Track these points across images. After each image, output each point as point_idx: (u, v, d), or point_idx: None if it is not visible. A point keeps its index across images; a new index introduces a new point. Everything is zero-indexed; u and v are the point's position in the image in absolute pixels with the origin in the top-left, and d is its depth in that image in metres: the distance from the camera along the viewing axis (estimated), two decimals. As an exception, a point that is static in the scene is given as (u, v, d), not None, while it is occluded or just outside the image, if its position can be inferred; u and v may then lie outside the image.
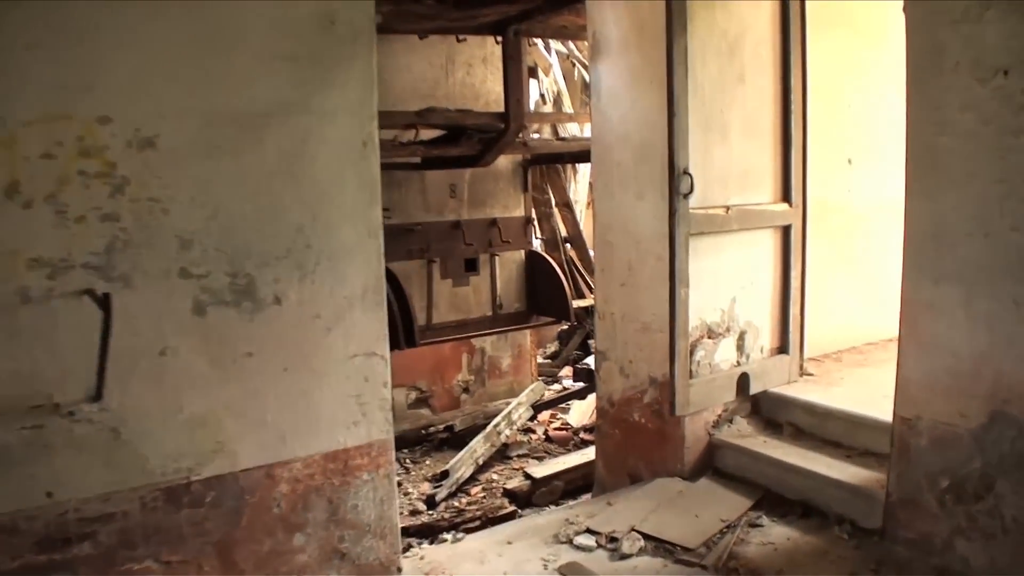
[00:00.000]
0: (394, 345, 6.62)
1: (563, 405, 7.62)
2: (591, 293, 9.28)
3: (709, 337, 4.73)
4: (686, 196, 4.38)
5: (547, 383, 8.78)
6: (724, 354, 4.83)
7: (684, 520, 4.21)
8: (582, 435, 7.11)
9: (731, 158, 4.73)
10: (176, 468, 3.25)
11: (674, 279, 4.44)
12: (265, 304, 3.35)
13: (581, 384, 7.09)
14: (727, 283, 4.81)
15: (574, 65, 10.41)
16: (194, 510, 3.30)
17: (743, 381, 4.88)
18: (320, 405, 3.52)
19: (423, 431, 7.00)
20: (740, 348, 4.91)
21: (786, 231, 5.05)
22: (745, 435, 4.82)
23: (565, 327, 9.28)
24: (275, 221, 3.35)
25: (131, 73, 3.03)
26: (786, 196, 5.04)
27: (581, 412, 7.45)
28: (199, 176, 3.18)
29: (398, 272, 6.87)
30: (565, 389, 8.51)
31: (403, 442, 7.07)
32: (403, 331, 6.43)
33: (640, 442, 4.95)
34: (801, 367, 5.26)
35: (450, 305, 7.35)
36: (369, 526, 3.67)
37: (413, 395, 7.35)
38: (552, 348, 9.93)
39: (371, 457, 3.67)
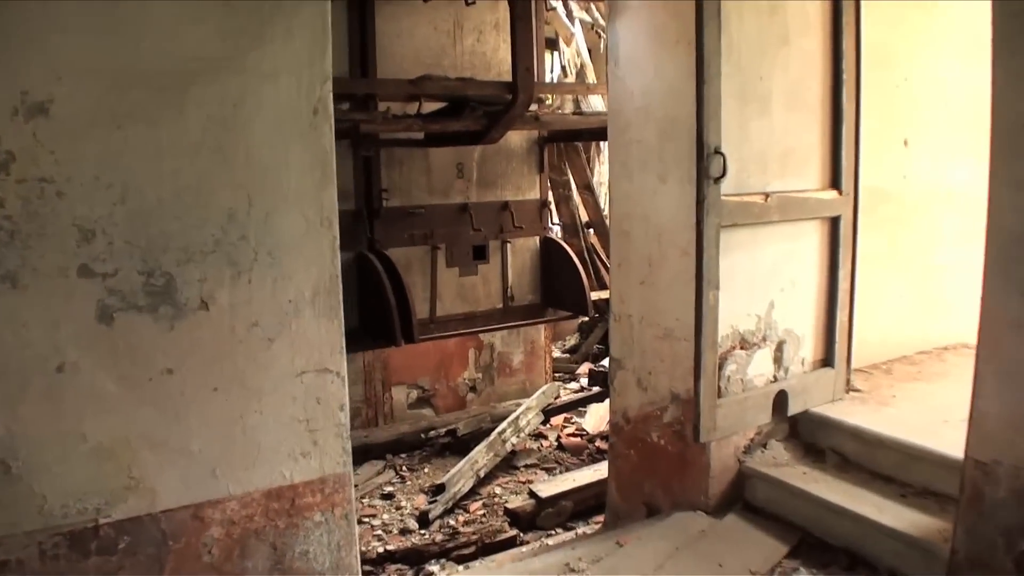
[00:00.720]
0: (390, 341, 6.00)
1: (579, 408, 6.94)
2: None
3: (742, 348, 4.03)
4: (717, 180, 3.67)
5: (564, 380, 8.12)
6: (759, 368, 4.12)
7: (706, 570, 3.52)
8: (598, 443, 6.44)
9: (771, 135, 4.00)
10: (81, 508, 2.67)
11: (701, 279, 3.73)
12: (189, 309, 2.72)
13: (597, 388, 6.41)
14: (764, 284, 4.10)
15: (600, 36, 9.65)
16: (105, 558, 2.73)
17: (780, 400, 4.17)
18: (260, 432, 2.88)
19: (423, 434, 6.36)
20: (778, 361, 4.20)
21: (834, 223, 4.32)
22: (781, 464, 4.11)
23: (585, 320, 8.60)
24: (201, 207, 2.70)
25: (15, 22, 2.39)
26: (835, 182, 4.31)
27: (598, 417, 6.77)
28: (104, 151, 2.57)
29: (398, 259, 6.21)
30: (584, 389, 7.83)
31: (401, 446, 6.44)
32: (400, 325, 5.77)
33: (659, 467, 4.27)
34: (847, 382, 4.54)
35: (456, 296, 6.68)
36: (323, 576, 3.03)
37: (414, 394, 6.71)
38: (572, 341, 9.25)
39: (324, 495, 3.03)
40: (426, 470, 6.18)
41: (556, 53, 9.94)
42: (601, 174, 9.45)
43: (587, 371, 8.16)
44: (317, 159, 2.87)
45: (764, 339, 4.12)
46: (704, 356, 3.79)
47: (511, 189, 6.81)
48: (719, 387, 3.93)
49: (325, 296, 2.93)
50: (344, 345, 2.99)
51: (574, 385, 7.97)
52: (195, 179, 2.67)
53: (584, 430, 6.72)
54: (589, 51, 9.30)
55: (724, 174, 3.65)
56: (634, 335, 4.30)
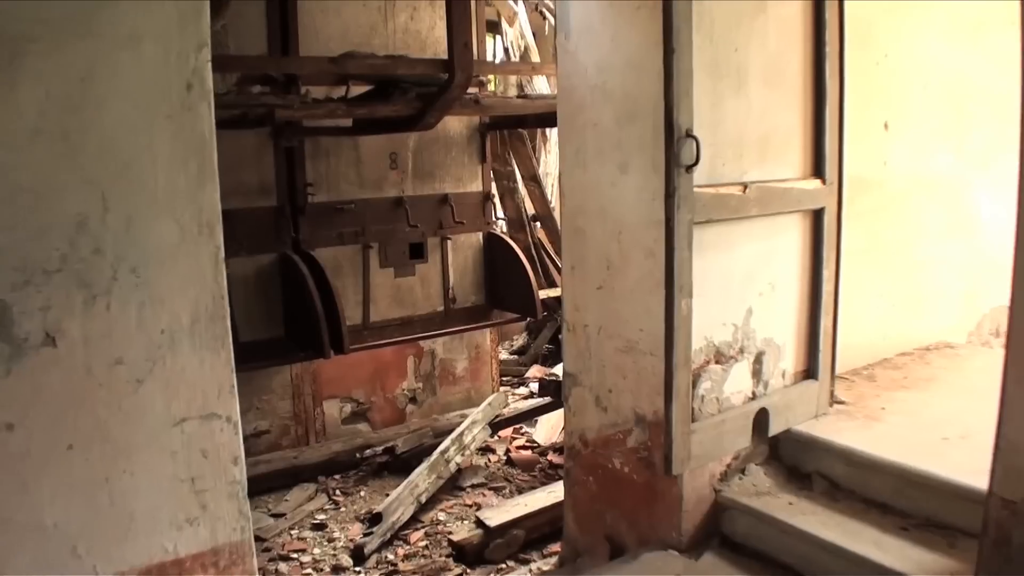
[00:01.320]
0: (317, 352, 5.38)
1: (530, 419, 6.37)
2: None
3: (717, 362, 3.50)
4: (689, 169, 3.12)
5: (513, 385, 7.56)
6: (736, 384, 3.60)
7: (685, 629, 2.99)
8: (551, 456, 5.89)
9: (748, 116, 3.48)
10: None
11: (672, 285, 3.19)
12: (30, 347, 2.10)
13: (548, 399, 5.87)
14: (741, 289, 3.57)
15: (544, 17, 9.08)
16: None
17: (761, 419, 3.66)
18: (132, 497, 2.28)
19: (358, 454, 5.75)
20: (756, 375, 3.69)
21: (817, 216, 3.82)
22: (763, 492, 3.60)
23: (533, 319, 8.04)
24: (41, 212, 2.08)
25: None
26: (817, 169, 3.80)
27: (550, 427, 6.22)
28: (-97, 138, 1.93)
29: (326, 261, 5.59)
30: (533, 395, 7.28)
31: (334, 467, 5.82)
32: (328, 334, 5.17)
33: (622, 497, 3.73)
34: (831, 394, 4.04)
35: (392, 300, 6.08)
36: (215, 672, 2.44)
37: (348, 408, 6.09)
38: (520, 341, 8.69)
39: (219, 569, 2.42)
40: (362, 493, 5.58)
41: (498, 36, 9.35)
42: (548, 164, 8.89)
43: (537, 375, 7.60)
44: (193, 148, 2.25)
45: (741, 351, 3.60)
46: (676, 375, 3.25)
47: (451, 181, 6.22)
48: (692, 409, 3.40)
49: (208, 322, 2.31)
50: (234, 382, 2.37)
51: (523, 391, 7.41)
52: (32, 176, 2.05)
53: (535, 442, 6.17)
54: (534, 34, 8.73)
55: (697, 161, 3.11)
56: (591, 348, 3.75)
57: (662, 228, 3.24)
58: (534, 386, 7.39)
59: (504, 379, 7.41)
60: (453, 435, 5.51)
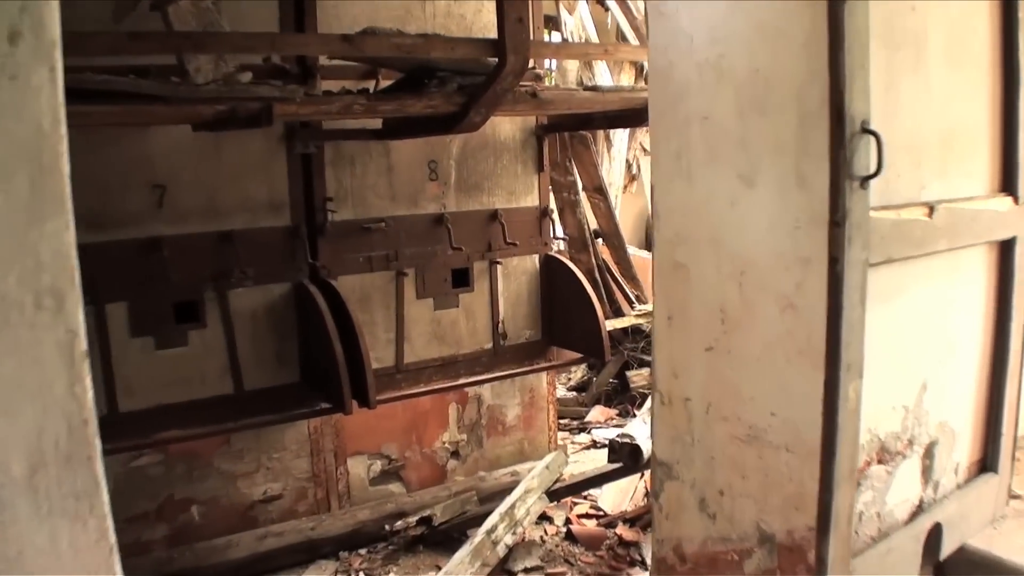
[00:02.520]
0: (336, 406, 4.40)
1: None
2: (631, 305, 6.98)
3: (880, 462, 2.43)
4: (865, 182, 2.06)
5: (571, 431, 6.50)
6: (901, 490, 2.53)
7: None
8: (620, 530, 4.82)
9: (929, 104, 2.41)
10: None
11: (835, 360, 2.12)
12: None
13: (618, 465, 4.79)
14: (915, 356, 2.50)
15: (607, 8, 8.06)
16: None
17: (933, 539, 2.57)
18: None
19: (387, 525, 4.75)
20: (926, 474, 2.61)
21: (1006, 250, 2.73)
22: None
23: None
24: None
25: None
26: (1007, 183, 2.72)
27: (619, 491, 5.16)
28: None
29: (350, 291, 4.62)
30: (596, 444, 6.23)
31: (359, 539, 4.83)
32: (350, 383, 4.18)
33: (737, 641, 2.66)
34: (1008, 488, 2.94)
35: (431, 336, 5.07)
36: None
37: (377, 466, 5.08)
38: (579, 374, 7.63)
39: None
40: (392, 574, 4.58)
41: (555, 34, 8.34)
42: (611, 172, 7.85)
43: (600, 420, 6.54)
44: (19, 149, 1.24)
45: (910, 443, 2.52)
46: (837, 491, 2.18)
47: (502, 194, 5.20)
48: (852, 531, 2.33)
49: (62, 469, 1.29)
50: (119, 570, 1.36)
51: (583, 438, 6.35)
52: None
53: (600, 509, 5.10)
54: (596, 29, 7.71)
55: (879, 170, 2.04)
56: (695, 431, 2.68)
57: (808, 269, 2.18)
58: (597, 433, 6.34)
59: (561, 422, 6.36)
60: (503, 507, 4.47)
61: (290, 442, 4.79)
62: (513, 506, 4.46)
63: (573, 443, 6.23)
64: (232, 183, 4.35)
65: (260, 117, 3.30)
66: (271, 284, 4.50)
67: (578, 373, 7.62)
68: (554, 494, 4.76)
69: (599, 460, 5.89)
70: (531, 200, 5.32)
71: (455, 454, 5.36)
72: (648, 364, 6.70)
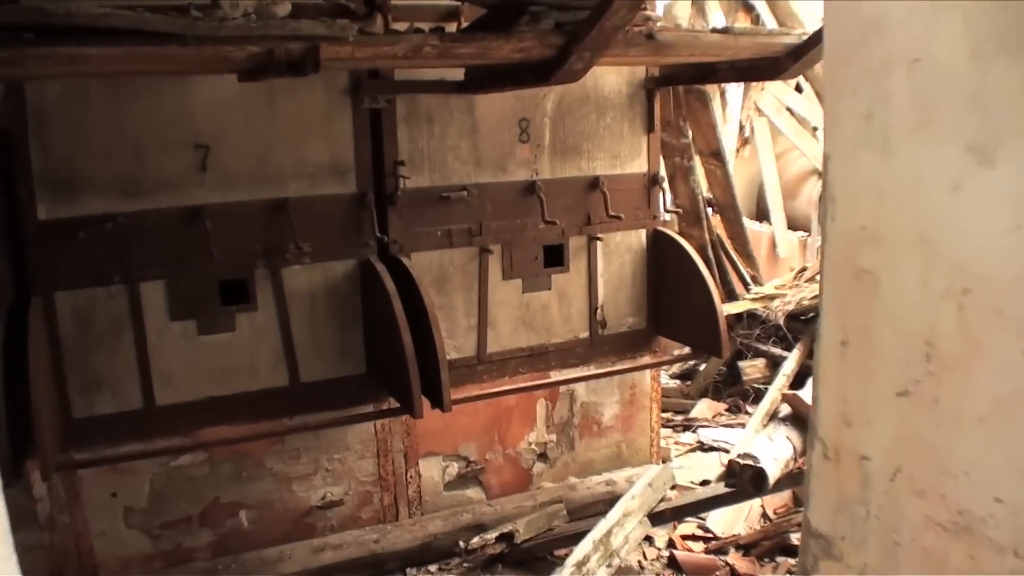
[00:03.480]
0: (404, 406, 3.76)
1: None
2: (745, 287, 6.15)
3: None
4: None
5: (675, 428, 5.75)
6: None
7: None
8: (733, 559, 4.08)
9: None
10: None
11: None
12: None
13: (733, 489, 4.01)
14: None
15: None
16: None
17: None
18: None
19: (461, 541, 4.11)
20: None
21: None
22: None
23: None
24: None
25: None
26: None
27: (732, 510, 4.41)
28: None
29: (425, 270, 4.00)
30: (703, 446, 5.47)
31: (430, 554, 4.22)
32: (420, 379, 3.54)
33: None
34: None
35: (519, 323, 4.39)
36: None
37: (454, 468, 4.44)
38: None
39: None
40: (466, 599, 3.95)
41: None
42: (724, 137, 6.98)
43: (709, 418, 5.77)
44: None
45: None
46: None
47: (604, 158, 4.46)
48: None
49: None
50: None
51: (688, 438, 5.59)
52: None
53: (709, 531, 4.36)
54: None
55: None
56: (872, 501, 1.92)
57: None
58: (705, 434, 5.57)
59: (663, 416, 5.59)
60: (596, 532, 3.77)
61: (354, 441, 4.19)
62: (609, 532, 3.76)
63: (677, 444, 5.49)
64: (287, 143, 3.72)
65: (305, 61, 2.63)
66: (332, 261, 3.90)
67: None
68: (656, 516, 4.04)
69: (706, 465, 5.16)
70: (638, 166, 4.56)
71: (542, 456, 4.69)
72: (763, 354, 5.89)
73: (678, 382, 6.40)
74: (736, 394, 5.95)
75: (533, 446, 4.64)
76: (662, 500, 4.08)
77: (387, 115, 3.89)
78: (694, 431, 5.65)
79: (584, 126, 4.37)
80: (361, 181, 3.88)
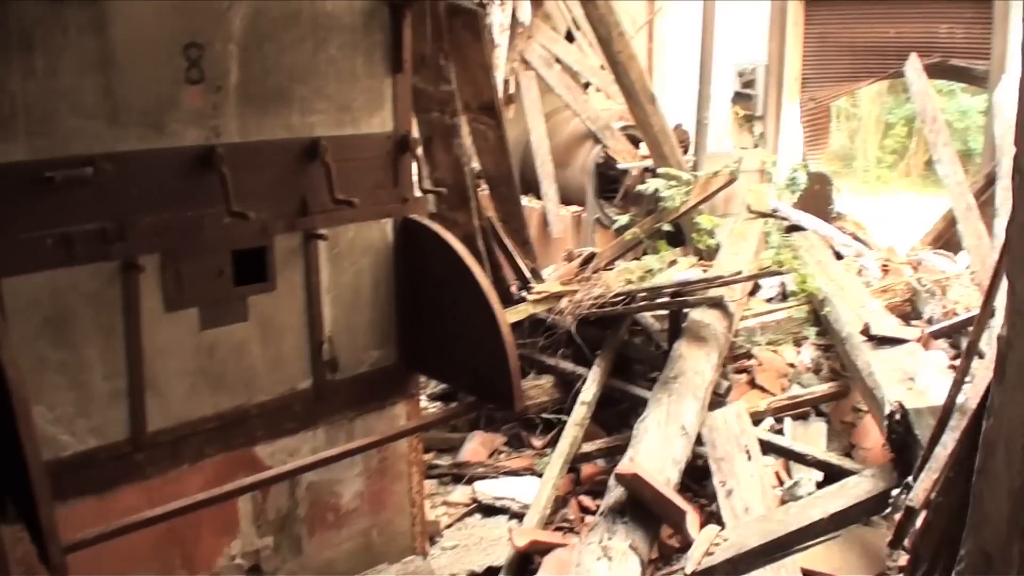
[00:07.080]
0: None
1: None
2: (524, 285, 4.79)
3: None
4: None
5: (440, 478, 4.29)
6: None
7: None
8: None
9: None
10: None
11: None
12: None
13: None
14: None
15: None
16: None
17: None
18: None
19: None
20: None
21: None
22: None
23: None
24: None
25: None
26: None
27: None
28: None
29: (23, 306, 2.29)
30: (478, 504, 4.06)
31: None
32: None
33: None
34: None
35: (199, 376, 2.75)
36: None
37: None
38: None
39: None
40: None
41: None
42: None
43: (485, 460, 4.34)
44: None
45: None
46: None
47: (327, 111, 2.92)
48: None
49: None
50: None
51: (461, 494, 4.14)
52: None
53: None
54: None
55: None
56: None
57: None
58: (484, 488, 4.14)
59: (424, 456, 4.06)
60: None
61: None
62: None
63: (447, 506, 4.03)
64: None
65: None
66: None
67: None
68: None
69: (488, 540, 3.76)
70: (379, 123, 3.06)
71: (255, 571, 3.06)
72: (550, 370, 4.55)
73: (439, 405, 4.93)
74: (517, 422, 4.56)
75: (239, 560, 3.00)
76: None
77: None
78: (467, 482, 4.20)
79: (295, 59, 2.79)
80: None
